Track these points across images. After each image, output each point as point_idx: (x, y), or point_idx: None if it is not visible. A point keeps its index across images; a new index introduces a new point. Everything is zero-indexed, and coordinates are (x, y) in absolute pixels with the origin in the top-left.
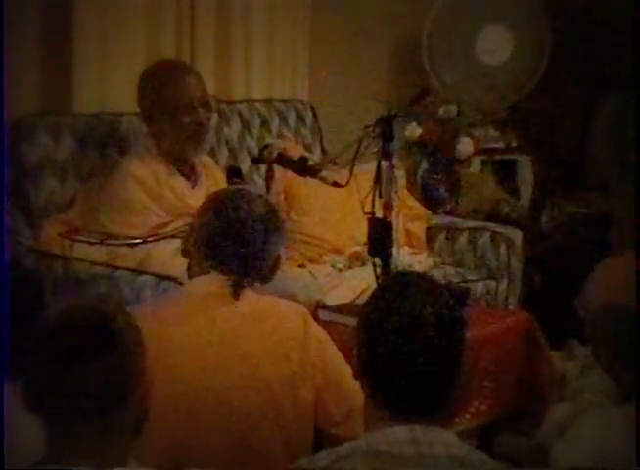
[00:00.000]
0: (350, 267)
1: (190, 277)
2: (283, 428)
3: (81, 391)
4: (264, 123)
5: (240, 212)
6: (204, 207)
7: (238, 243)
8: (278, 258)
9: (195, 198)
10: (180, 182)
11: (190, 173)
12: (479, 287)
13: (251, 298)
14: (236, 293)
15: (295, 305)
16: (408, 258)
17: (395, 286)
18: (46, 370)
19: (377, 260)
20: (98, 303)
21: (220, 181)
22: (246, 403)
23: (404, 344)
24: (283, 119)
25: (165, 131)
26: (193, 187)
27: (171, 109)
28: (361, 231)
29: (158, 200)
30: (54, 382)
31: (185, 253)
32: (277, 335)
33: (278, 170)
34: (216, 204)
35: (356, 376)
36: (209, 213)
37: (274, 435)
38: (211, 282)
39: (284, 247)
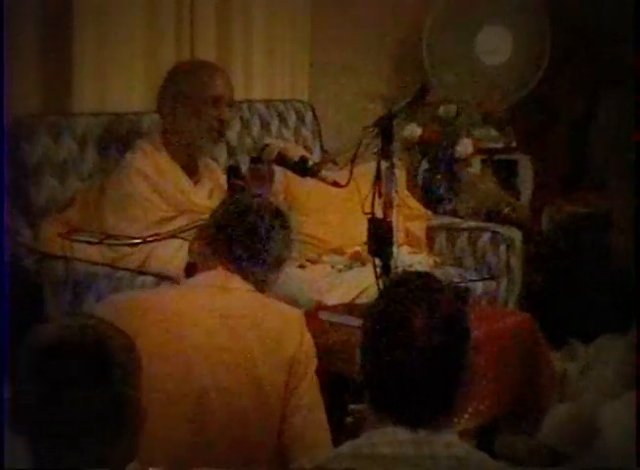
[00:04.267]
0: (350, 267)
1: (189, 276)
2: (277, 431)
3: (73, 417)
4: (264, 123)
5: (250, 212)
6: (217, 207)
7: (246, 239)
8: (282, 259)
9: (198, 195)
10: (183, 179)
11: (194, 172)
12: (479, 287)
13: (252, 298)
14: (262, 287)
15: (292, 310)
16: (408, 257)
17: (400, 288)
18: (36, 395)
19: (377, 260)
20: (92, 323)
21: (222, 182)
22: (243, 405)
23: (409, 347)
24: (283, 120)
25: (188, 124)
26: (196, 185)
27: (198, 101)
28: (361, 231)
29: (161, 194)
30: (44, 407)
31: (192, 249)
32: (273, 337)
33: (278, 170)
34: (229, 203)
35: (359, 380)
36: (222, 212)
37: (271, 437)
38: (217, 276)
39: (290, 249)
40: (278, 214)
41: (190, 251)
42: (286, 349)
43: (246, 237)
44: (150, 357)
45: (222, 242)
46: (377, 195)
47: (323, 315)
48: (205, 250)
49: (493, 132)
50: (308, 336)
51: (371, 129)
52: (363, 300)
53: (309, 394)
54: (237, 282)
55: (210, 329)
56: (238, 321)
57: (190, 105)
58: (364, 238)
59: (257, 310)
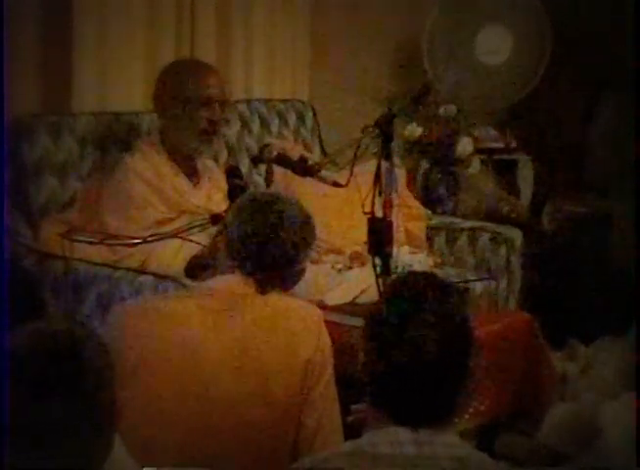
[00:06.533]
0: (350, 267)
1: (189, 276)
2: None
3: (48, 421)
4: (264, 123)
5: (278, 216)
6: (240, 205)
7: (270, 245)
8: (303, 269)
9: (197, 197)
10: (182, 180)
11: (192, 173)
12: (478, 287)
13: (269, 304)
14: (264, 289)
15: (310, 310)
16: (408, 257)
17: (403, 288)
18: (11, 399)
19: (377, 260)
20: (65, 327)
21: (222, 183)
22: (254, 413)
23: (411, 348)
24: (283, 119)
25: (179, 125)
26: (195, 186)
27: (190, 101)
28: (361, 231)
29: (159, 195)
30: (19, 411)
31: (211, 250)
32: (288, 344)
33: (277, 170)
34: (254, 204)
35: (361, 380)
36: (245, 213)
37: (286, 440)
38: (235, 281)
39: (311, 250)
40: (301, 214)
41: (211, 250)
42: (301, 353)
43: (265, 238)
44: (158, 364)
45: (239, 243)
46: (377, 195)
47: (323, 315)
48: (224, 250)
49: (493, 132)
50: (325, 336)
51: (371, 129)
52: (363, 300)
53: (324, 395)
54: (253, 288)
55: (223, 338)
56: (252, 330)
57: (180, 106)
58: (364, 238)
59: (272, 318)
